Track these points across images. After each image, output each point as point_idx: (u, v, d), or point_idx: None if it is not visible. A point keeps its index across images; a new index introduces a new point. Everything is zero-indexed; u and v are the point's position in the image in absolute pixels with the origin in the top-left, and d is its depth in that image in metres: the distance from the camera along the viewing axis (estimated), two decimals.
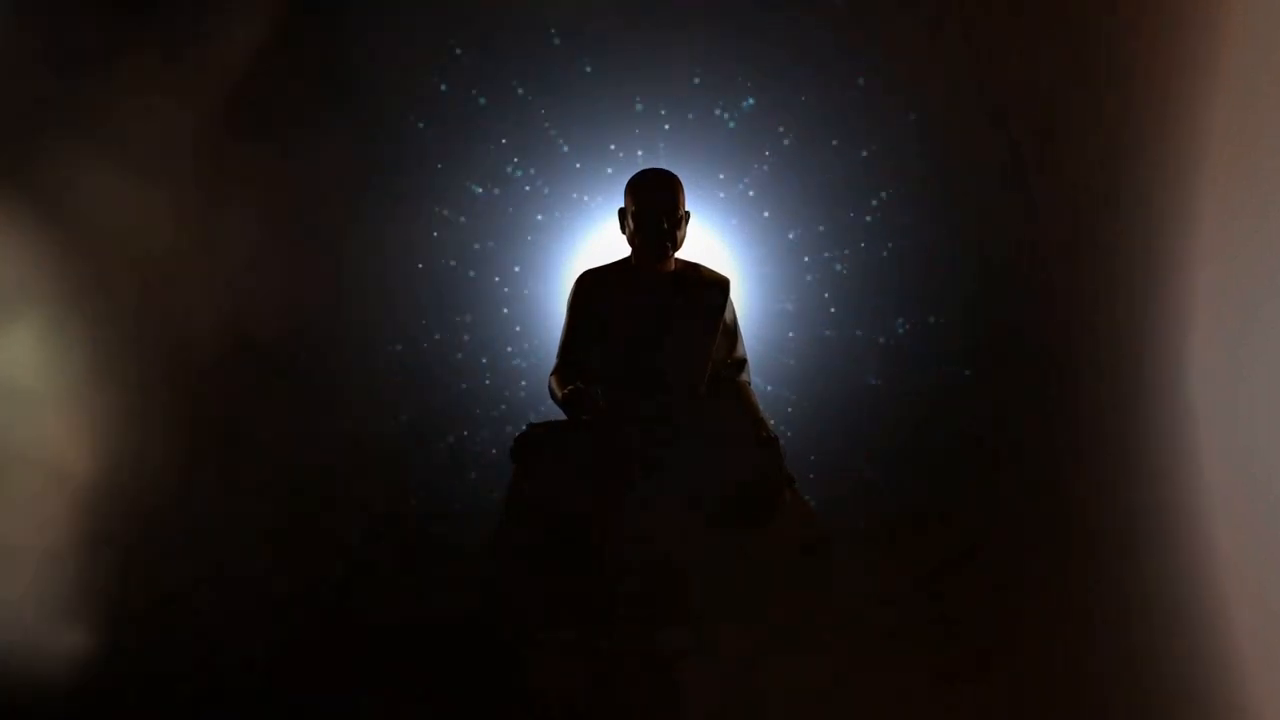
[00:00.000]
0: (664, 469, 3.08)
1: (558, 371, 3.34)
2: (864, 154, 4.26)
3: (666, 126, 4.34)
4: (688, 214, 3.30)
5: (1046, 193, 3.86)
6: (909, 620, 3.37)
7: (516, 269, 4.38)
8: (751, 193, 4.34)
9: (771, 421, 3.27)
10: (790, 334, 4.32)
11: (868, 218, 4.28)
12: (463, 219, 4.34)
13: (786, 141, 4.29)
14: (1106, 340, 3.57)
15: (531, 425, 3.21)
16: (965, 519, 3.86)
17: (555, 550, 2.99)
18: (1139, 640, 3.12)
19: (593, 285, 3.35)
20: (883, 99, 4.20)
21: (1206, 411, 3.12)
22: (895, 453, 4.15)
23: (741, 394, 3.38)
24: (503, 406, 4.37)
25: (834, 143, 4.27)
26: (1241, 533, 2.98)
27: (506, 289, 4.39)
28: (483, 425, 4.35)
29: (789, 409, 4.30)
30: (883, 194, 4.27)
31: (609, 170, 4.35)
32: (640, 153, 4.33)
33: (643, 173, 3.30)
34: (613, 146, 4.34)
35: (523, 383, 4.39)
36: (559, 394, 3.22)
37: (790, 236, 4.33)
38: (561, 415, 3.25)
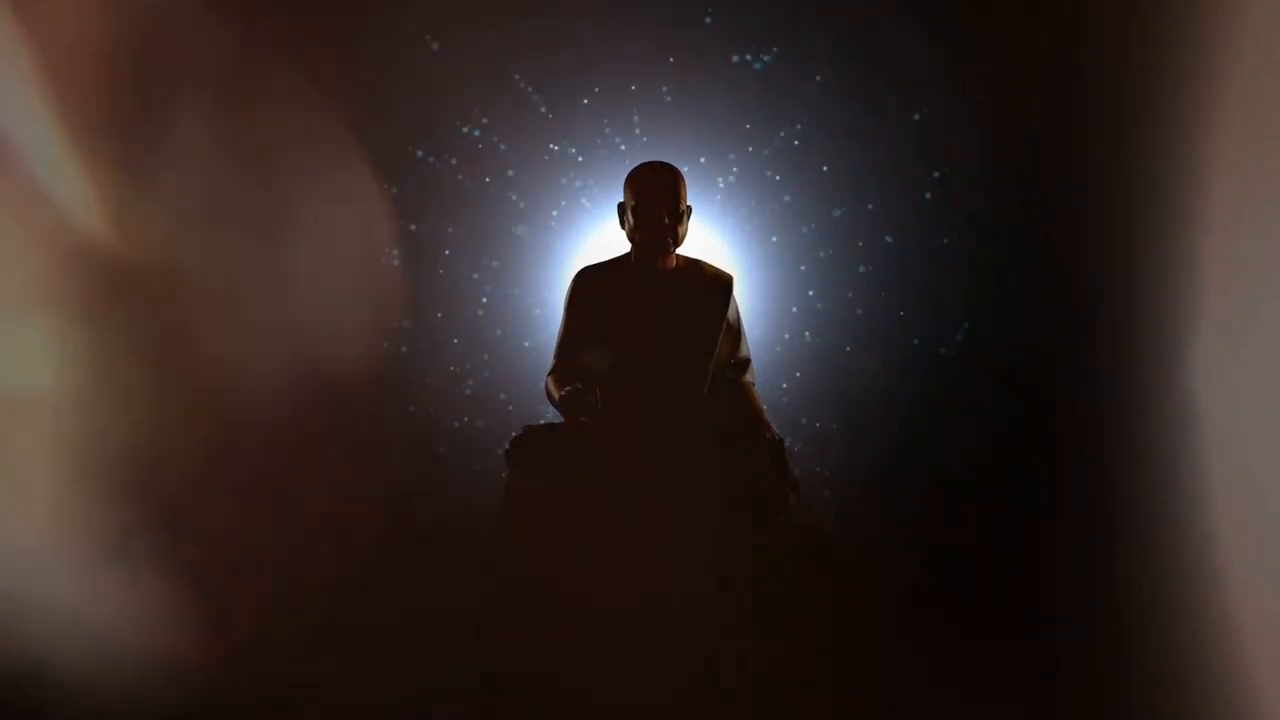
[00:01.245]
0: (665, 472, 3.06)
1: (554, 372, 3.33)
2: (916, 117, 4.01)
3: (671, 59, 3.95)
4: (689, 208, 3.25)
5: (1048, 191, 3.85)
6: (909, 621, 3.36)
7: (447, 252, 3.93)
8: (797, 142, 4.01)
9: (775, 423, 3.24)
10: (847, 347, 4.08)
11: (927, 194, 4.02)
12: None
13: (802, 120, 4.04)
14: (1107, 340, 3.57)
15: (528, 427, 3.18)
16: (965, 519, 3.86)
17: (552, 555, 2.98)
18: (1140, 639, 3.12)
19: (591, 283, 3.32)
20: (941, 48, 3.85)
21: (1208, 411, 3.11)
22: (895, 452, 4.14)
23: (745, 395, 3.35)
24: (441, 449, 4.00)
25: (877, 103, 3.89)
26: (1243, 533, 2.97)
27: (459, 285, 3.98)
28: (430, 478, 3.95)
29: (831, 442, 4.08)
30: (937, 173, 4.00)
31: (606, 127, 3.90)
32: (637, 118, 3.97)
33: (642, 165, 3.26)
34: (597, 90, 3.95)
35: (465, 418, 4.02)
36: (555, 395, 3.21)
37: (836, 214, 4.06)
38: (559, 417, 3.24)
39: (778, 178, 4.08)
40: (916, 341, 4.11)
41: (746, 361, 3.41)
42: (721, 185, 4.09)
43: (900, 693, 3.01)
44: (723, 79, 3.97)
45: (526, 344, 4.11)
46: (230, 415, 3.66)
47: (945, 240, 4.07)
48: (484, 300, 4.07)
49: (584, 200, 4.03)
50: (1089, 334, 3.67)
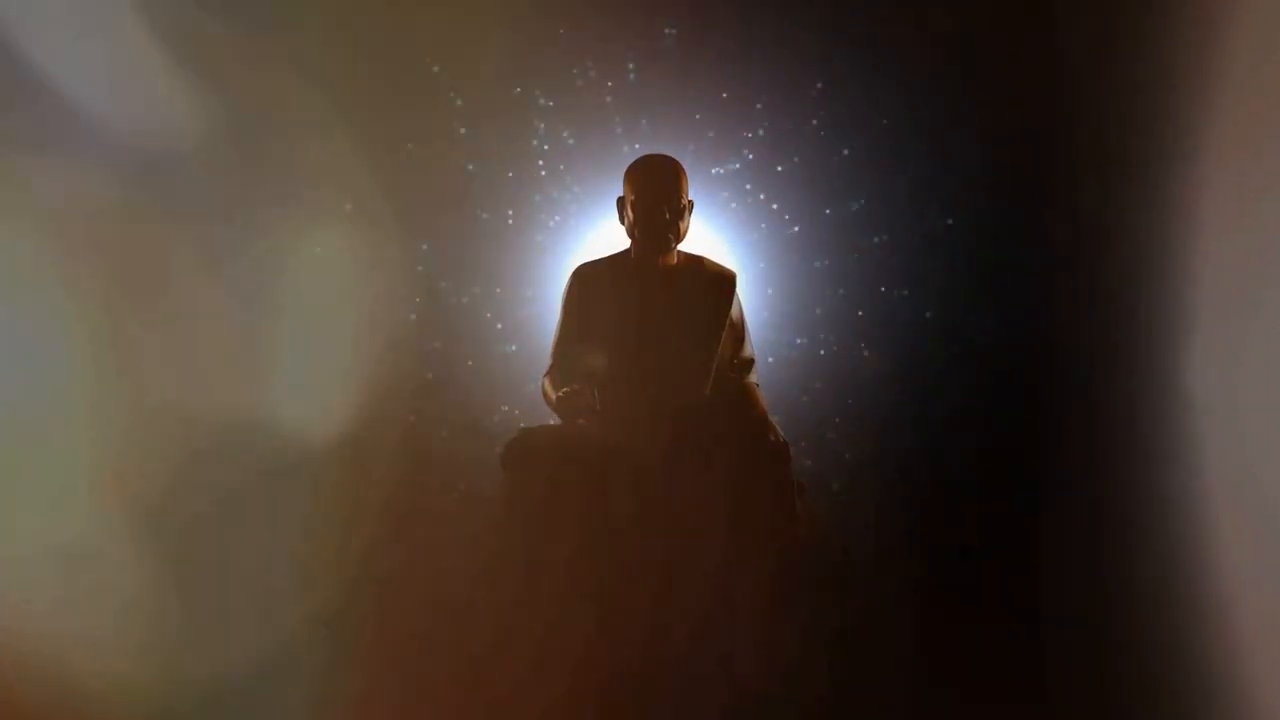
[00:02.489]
0: (665, 476, 3.04)
1: (551, 372, 3.30)
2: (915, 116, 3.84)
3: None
4: (691, 203, 3.23)
5: (1048, 189, 3.84)
6: (909, 621, 3.36)
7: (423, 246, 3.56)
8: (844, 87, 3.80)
9: (779, 424, 3.21)
10: (862, 348, 4.00)
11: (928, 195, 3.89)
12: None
13: (818, 93, 3.81)
14: (1107, 339, 3.57)
15: (524, 429, 3.16)
16: (965, 519, 3.86)
17: (550, 557, 2.97)
18: (1140, 639, 3.12)
19: (589, 280, 3.28)
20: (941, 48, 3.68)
21: (1208, 410, 3.11)
22: (895, 452, 4.12)
23: (749, 396, 3.30)
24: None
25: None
26: (1242, 532, 2.98)
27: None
28: None
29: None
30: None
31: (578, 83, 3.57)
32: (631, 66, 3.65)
33: (642, 159, 3.23)
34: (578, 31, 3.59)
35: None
36: (553, 396, 3.19)
37: (854, 208, 3.91)
38: (556, 419, 3.23)
39: (796, 159, 3.93)
40: (916, 341, 4.09)
41: (750, 362, 3.36)
42: (745, 147, 3.89)
43: (901, 693, 3.01)
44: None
45: (470, 363, 3.94)
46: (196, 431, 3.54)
47: (945, 239, 4.06)
48: (417, 300, 3.75)
49: (554, 162, 3.77)
50: (1088, 333, 3.67)
